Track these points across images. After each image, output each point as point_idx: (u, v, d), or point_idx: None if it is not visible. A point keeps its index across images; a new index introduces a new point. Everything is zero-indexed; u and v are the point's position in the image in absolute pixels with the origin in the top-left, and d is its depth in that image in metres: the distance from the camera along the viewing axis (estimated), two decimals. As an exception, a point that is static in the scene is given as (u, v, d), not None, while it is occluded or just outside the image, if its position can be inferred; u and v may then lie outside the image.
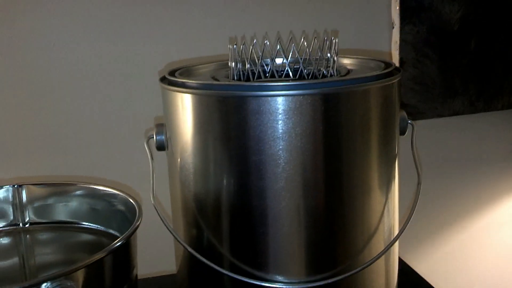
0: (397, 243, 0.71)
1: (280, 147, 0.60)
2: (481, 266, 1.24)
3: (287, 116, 0.59)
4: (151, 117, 0.86)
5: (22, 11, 0.82)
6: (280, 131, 0.59)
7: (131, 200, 0.67)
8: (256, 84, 0.63)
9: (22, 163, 0.88)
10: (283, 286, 0.62)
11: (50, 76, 0.87)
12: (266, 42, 0.71)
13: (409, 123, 0.69)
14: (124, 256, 0.61)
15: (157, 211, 0.65)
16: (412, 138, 0.69)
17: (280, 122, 0.59)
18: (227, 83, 0.66)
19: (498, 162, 1.20)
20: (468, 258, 1.23)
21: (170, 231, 0.66)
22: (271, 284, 0.62)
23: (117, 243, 0.58)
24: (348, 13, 1.02)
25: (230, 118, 0.60)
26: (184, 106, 0.63)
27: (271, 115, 0.59)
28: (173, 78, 0.65)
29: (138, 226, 0.61)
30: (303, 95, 0.59)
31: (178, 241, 0.66)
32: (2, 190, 0.75)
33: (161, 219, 0.65)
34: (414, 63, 1.08)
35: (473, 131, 1.17)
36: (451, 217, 1.19)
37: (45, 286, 0.51)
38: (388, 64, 0.68)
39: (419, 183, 0.69)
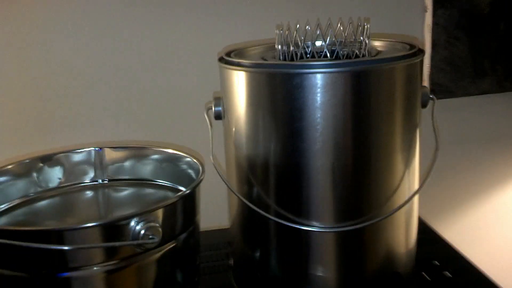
0: (416, 201, 0.81)
1: (318, 115, 0.71)
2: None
3: (324, 90, 0.70)
4: (210, 92, 0.99)
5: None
6: (318, 102, 0.70)
7: (195, 160, 0.80)
8: (299, 63, 0.74)
9: (103, 130, 1.02)
10: (316, 230, 0.74)
11: (128, 54, 1.01)
12: (308, 28, 0.83)
13: (431, 97, 0.80)
14: (191, 203, 0.74)
15: (215, 168, 0.79)
16: (432, 110, 0.80)
17: (318, 95, 0.70)
18: (275, 62, 0.78)
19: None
20: (489, 229, 1.30)
21: (226, 184, 0.79)
22: (308, 228, 0.74)
23: (187, 190, 0.71)
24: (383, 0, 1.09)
25: (277, 91, 0.72)
26: (239, 82, 0.75)
27: (311, 89, 0.70)
28: (229, 58, 0.78)
29: (202, 179, 0.74)
30: (338, 72, 0.70)
31: (232, 191, 0.79)
32: (86, 152, 0.88)
33: (219, 174, 0.79)
34: (446, 45, 1.14)
35: (500, 109, 1.24)
36: (475, 189, 1.26)
37: (134, 221, 0.64)
38: (412, 46, 0.79)
39: (437, 149, 0.80)
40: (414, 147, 0.78)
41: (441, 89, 1.17)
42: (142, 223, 0.64)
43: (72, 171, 0.87)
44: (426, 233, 1.01)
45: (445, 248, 0.97)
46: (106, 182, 0.88)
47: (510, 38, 1.18)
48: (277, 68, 0.73)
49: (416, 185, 0.80)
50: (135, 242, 0.64)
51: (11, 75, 0.96)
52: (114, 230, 0.64)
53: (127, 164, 0.88)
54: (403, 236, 0.80)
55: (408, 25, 1.13)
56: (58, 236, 0.63)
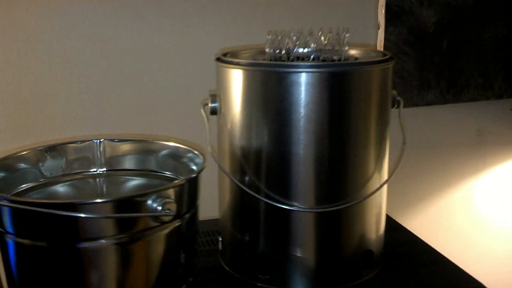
0: (385, 190, 0.92)
1: (303, 111, 0.81)
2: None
3: (310, 88, 0.80)
4: (205, 90, 1.07)
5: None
6: (304, 99, 0.80)
7: (196, 151, 0.87)
8: (291, 63, 0.84)
9: (106, 126, 1.10)
10: (300, 210, 0.84)
11: (131, 55, 1.09)
12: (293, 35, 0.93)
13: (398, 99, 0.92)
14: (195, 186, 0.81)
15: (213, 157, 0.87)
16: (400, 110, 0.92)
17: (304, 92, 0.80)
18: (269, 62, 0.88)
19: (464, 146, 1.40)
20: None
21: (222, 169, 0.88)
22: (292, 208, 0.84)
23: (193, 174, 0.79)
24: (340, 16, 1.20)
25: (269, 88, 0.82)
26: (236, 79, 0.84)
27: (299, 87, 0.80)
28: (227, 58, 0.87)
29: (204, 166, 0.82)
30: (323, 72, 0.80)
31: (228, 175, 0.88)
32: (87, 143, 0.93)
33: (215, 161, 0.88)
34: (395, 59, 1.25)
35: (443, 119, 1.37)
36: (426, 190, 1.41)
37: (152, 197, 0.71)
38: (385, 54, 0.90)
39: (404, 143, 0.92)
40: (385, 142, 0.90)
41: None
42: (158, 199, 0.71)
43: (73, 161, 0.92)
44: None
45: (404, 234, 1.09)
46: (105, 172, 0.94)
47: (452, 55, 1.30)
48: (271, 67, 0.82)
49: (385, 175, 0.91)
50: (155, 214, 0.71)
51: (12, 73, 1.02)
52: (132, 205, 0.71)
53: (127, 156, 0.94)
54: (374, 220, 0.91)
55: (362, 40, 1.24)
56: (78, 209, 0.69)
